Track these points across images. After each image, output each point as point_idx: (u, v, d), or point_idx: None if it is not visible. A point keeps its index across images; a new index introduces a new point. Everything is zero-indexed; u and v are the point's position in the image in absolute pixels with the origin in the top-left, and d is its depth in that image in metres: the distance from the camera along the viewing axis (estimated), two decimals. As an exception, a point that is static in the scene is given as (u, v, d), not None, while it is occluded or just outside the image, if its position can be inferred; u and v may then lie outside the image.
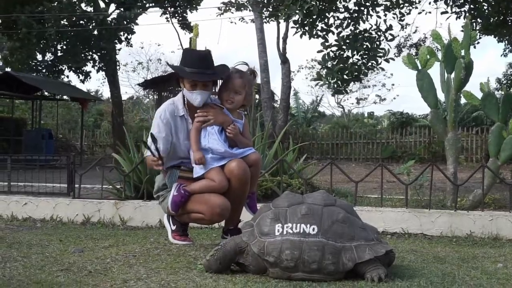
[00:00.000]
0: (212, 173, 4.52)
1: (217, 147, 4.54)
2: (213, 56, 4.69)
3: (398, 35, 13.42)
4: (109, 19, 23.18)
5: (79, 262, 4.11)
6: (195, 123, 4.61)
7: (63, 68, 25.23)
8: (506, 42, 20.79)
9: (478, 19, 12.86)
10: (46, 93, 22.33)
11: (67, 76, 26.71)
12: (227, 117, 4.63)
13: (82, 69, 24.63)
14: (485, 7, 12.81)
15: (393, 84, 50.06)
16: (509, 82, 25.24)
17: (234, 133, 4.58)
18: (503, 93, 6.82)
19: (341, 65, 12.20)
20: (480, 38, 16.24)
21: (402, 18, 13.81)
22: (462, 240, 5.62)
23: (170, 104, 4.70)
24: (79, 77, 24.95)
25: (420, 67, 6.74)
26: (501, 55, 25.72)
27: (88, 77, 25.28)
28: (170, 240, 4.89)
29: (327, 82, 12.58)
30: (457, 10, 12.63)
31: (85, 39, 22.47)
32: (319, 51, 12.40)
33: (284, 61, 20.36)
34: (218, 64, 4.71)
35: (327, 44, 12.16)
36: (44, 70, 24.77)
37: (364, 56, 12.53)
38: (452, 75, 6.70)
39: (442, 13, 12.65)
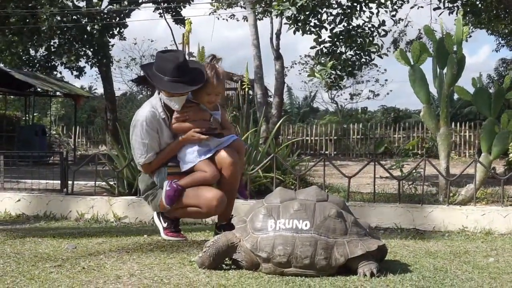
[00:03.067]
0: (202, 165, 4.58)
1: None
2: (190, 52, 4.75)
3: (391, 30, 13.39)
4: (102, 14, 23.10)
5: (72, 258, 4.11)
6: (174, 123, 4.66)
7: (56, 64, 25.18)
8: (498, 36, 20.87)
9: (471, 14, 12.88)
10: (39, 89, 22.26)
11: (60, 72, 26.66)
12: (205, 112, 4.71)
13: (77, 64, 24.57)
14: (477, 2, 12.84)
15: (386, 80, 50.09)
16: (500, 77, 25.34)
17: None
18: (494, 88, 6.84)
19: (334, 60, 12.20)
20: (472, 31, 16.29)
21: (394, 14, 13.81)
22: (454, 235, 5.65)
23: (150, 108, 4.68)
24: (72, 73, 24.91)
25: (412, 63, 6.76)
26: (493, 50, 25.86)
27: (83, 72, 25.22)
28: (163, 237, 4.90)
29: (321, 79, 12.58)
30: (450, 5, 12.64)
31: (78, 34, 22.40)
32: (312, 47, 12.41)
33: (278, 57, 20.31)
34: (194, 64, 4.75)
35: (320, 40, 12.16)
36: (37, 66, 24.70)
37: (358, 52, 12.54)
38: (445, 70, 6.72)
39: (435, 9, 12.68)
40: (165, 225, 4.87)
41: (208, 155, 4.60)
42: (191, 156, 4.63)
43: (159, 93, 4.71)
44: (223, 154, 4.57)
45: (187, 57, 4.93)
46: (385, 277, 3.56)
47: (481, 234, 5.70)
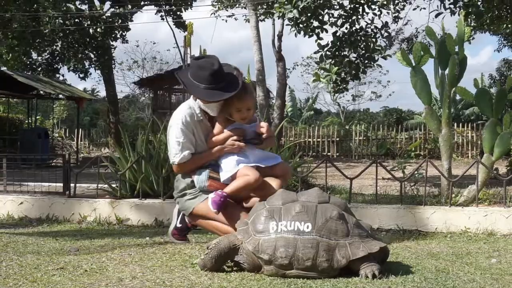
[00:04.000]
0: (244, 169, 4.44)
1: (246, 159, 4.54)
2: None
3: (389, 28, 13.42)
4: (104, 17, 23.14)
5: (74, 261, 4.12)
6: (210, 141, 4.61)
7: (59, 67, 25.22)
8: (500, 36, 20.83)
9: (472, 15, 12.84)
10: (41, 92, 22.30)
11: (63, 75, 26.75)
12: (242, 129, 4.59)
13: (82, 67, 24.65)
14: (479, 3, 12.80)
15: (388, 81, 50.44)
16: (502, 78, 25.26)
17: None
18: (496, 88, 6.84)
19: (339, 65, 12.22)
20: (474, 33, 16.23)
21: (397, 15, 13.84)
22: (456, 236, 5.65)
23: (187, 108, 4.60)
24: (79, 75, 25.00)
25: (414, 64, 6.75)
26: (495, 50, 25.89)
27: (89, 73, 25.29)
28: (168, 235, 4.85)
29: (326, 84, 12.59)
30: (452, 7, 12.63)
31: (80, 37, 22.44)
32: (316, 52, 12.40)
33: (280, 59, 20.29)
34: (228, 69, 4.63)
35: (323, 44, 12.16)
36: (39, 69, 24.74)
37: (361, 54, 12.54)
38: (446, 71, 6.71)
39: (437, 15, 12.64)
40: (178, 226, 4.81)
41: (249, 165, 4.48)
42: (230, 165, 4.51)
43: (195, 99, 4.64)
44: (274, 184, 4.45)
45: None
46: (387, 278, 3.56)
47: (484, 235, 5.70)
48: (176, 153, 4.55)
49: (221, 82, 4.46)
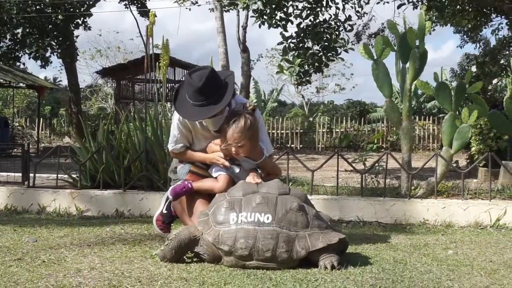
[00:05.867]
0: (220, 177, 4.41)
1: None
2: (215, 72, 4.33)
3: (356, 23, 13.52)
4: (66, 4, 22.79)
5: (32, 251, 4.08)
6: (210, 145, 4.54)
7: (20, 55, 24.77)
8: (462, 33, 21.07)
9: (434, 9, 12.99)
10: (1, 80, 21.91)
11: (24, 63, 26.26)
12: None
13: (42, 54, 24.20)
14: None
15: (352, 74, 50.87)
16: (463, 72, 25.58)
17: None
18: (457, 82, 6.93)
19: (302, 57, 12.26)
20: (436, 25, 16.40)
21: (359, 10, 13.93)
22: (415, 228, 5.73)
23: None
24: (41, 63, 24.54)
25: (375, 57, 6.80)
26: (458, 46, 26.03)
27: (49, 62, 24.86)
28: (153, 219, 4.74)
29: (290, 76, 12.61)
30: (414, 1, 12.76)
31: (41, 24, 22.07)
32: (279, 43, 12.43)
33: (244, 50, 20.35)
34: (231, 79, 4.50)
35: (287, 35, 12.18)
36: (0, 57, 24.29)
37: (324, 46, 12.60)
38: (407, 65, 6.78)
39: (399, 6, 12.77)
40: (164, 211, 4.70)
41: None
42: (216, 169, 4.45)
43: None
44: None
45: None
46: (346, 269, 3.60)
47: (442, 227, 5.79)
48: (170, 142, 4.61)
49: (211, 96, 4.25)
